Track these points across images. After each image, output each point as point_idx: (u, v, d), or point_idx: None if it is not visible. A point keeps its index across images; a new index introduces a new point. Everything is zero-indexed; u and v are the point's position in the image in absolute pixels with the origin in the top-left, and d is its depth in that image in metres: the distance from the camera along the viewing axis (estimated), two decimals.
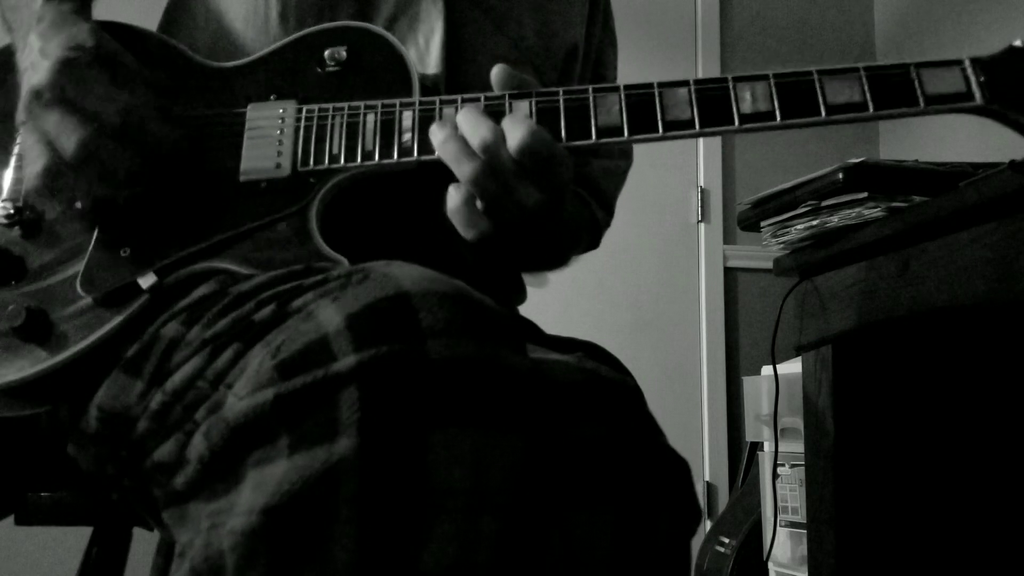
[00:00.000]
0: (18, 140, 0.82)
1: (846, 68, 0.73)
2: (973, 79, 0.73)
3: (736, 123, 0.72)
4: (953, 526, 1.43)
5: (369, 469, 0.53)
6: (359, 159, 0.75)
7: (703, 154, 3.23)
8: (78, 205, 0.78)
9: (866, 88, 0.73)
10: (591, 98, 0.74)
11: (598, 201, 1.01)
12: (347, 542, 0.52)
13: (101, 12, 0.88)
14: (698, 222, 3.20)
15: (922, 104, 0.73)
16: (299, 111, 0.79)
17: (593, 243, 1.06)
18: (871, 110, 0.73)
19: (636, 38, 2.54)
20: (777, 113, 0.72)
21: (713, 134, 0.74)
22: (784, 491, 2.21)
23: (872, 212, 1.27)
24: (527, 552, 0.57)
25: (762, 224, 1.48)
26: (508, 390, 0.57)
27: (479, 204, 0.73)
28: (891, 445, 1.40)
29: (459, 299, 0.58)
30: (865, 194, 1.27)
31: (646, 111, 0.73)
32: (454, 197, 0.74)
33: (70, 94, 0.73)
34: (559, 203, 0.75)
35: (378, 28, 0.82)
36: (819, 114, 0.72)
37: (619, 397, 0.72)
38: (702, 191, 3.21)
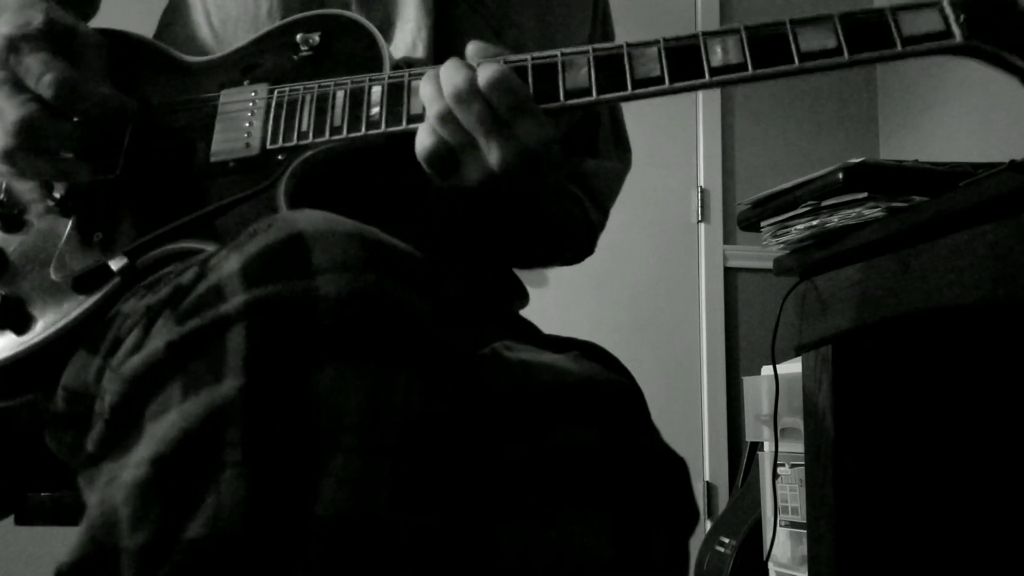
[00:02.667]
0: None
1: (820, 16, 0.72)
2: (952, 17, 0.70)
3: (707, 76, 0.71)
4: (953, 526, 1.43)
5: (255, 409, 0.52)
6: (327, 135, 0.76)
7: (703, 154, 3.23)
8: (56, 195, 0.79)
9: (840, 34, 0.71)
10: (559, 61, 0.73)
11: (592, 201, 1.01)
12: (236, 487, 0.51)
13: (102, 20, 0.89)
14: (698, 222, 3.20)
15: (899, 46, 0.70)
16: (270, 92, 0.79)
17: (587, 245, 1.05)
18: (846, 55, 0.70)
19: (636, 38, 2.53)
20: (749, 64, 0.71)
21: (684, 90, 0.72)
22: (784, 491, 2.21)
23: (872, 212, 1.27)
24: (431, 501, 0.56)
25: (762, 224, 1.48)
26: (406, 328, 0.56)
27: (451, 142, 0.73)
28: (891, 445, 1.40)
29: (357, 237, 0.57)
30: (865, 194, 1.27)
31: (615, 70, 0.73)
32: (421, 138, 0.73)
33: (11, 70, 0.74)
34: (531, 173, 0.73)
35: (350, 13, 0.83)
36: (792, 62, 0.71)
37: (613, 397, 0.71)
38: (702, 191, 3.21)
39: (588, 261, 1.09)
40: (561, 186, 0.81)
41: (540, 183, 0.76)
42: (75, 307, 0.74)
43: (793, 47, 0.71)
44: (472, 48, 0.75)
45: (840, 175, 1.28)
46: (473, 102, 0.70)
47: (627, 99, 0.73)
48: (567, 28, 0.99)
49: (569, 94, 0.73)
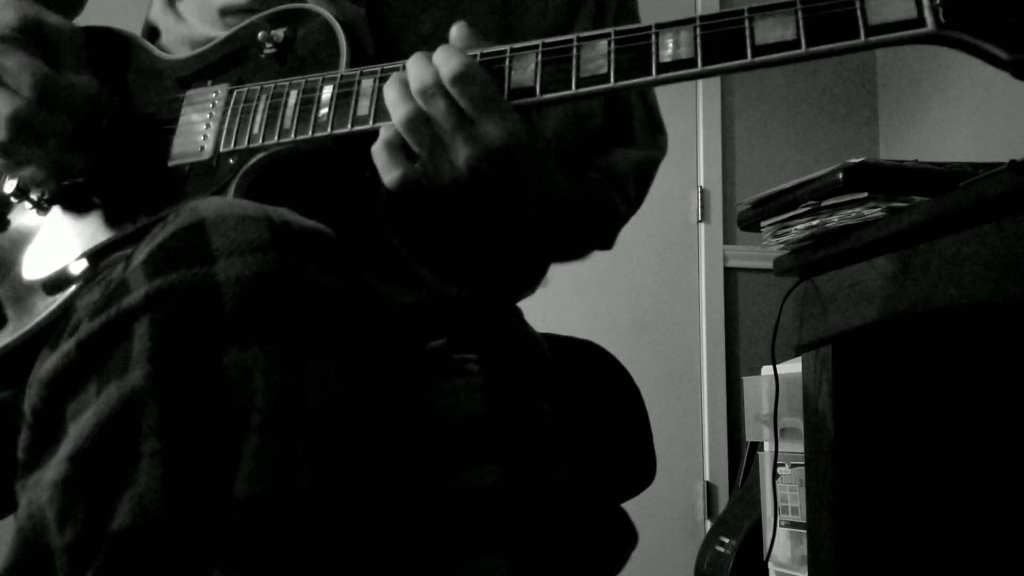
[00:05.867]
0: None
1: (783, 3, 0.66)
2: (926, 2, 0.63)
3: (653, 73, 0.68)
4: (953, 526, 1.43)
5: (165, 398, 0.53)
6: (277, 137, 0.76)
7: (703, 154, 3.23)
8: (33, 196, 0.80)
9: (801, 24, 0.65)
10: (507, 57, 0.71)
11: (619, 190, 0.98)
12: (154, 474, 0.52)
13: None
14: (698, 222, 3.20)
15: (862, 36, 0.64)
16: (229, 93, 0.80)
17: (610, 234, 1.02)
18: (803, 47, 0.65)
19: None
20: (699, 60, 0.67)
21: (629, 87, 0.69)
22: (784, 491, 2.21)
23: (872, 212, 1.27)
24: (352, 484, 0.57)
25: (762, 224, 1.48)
26: (313, 306, 0.56)
27: (416, 150, 0.71)
28: (891, 445, 1.40)
29: (259, 220, 0.57)
30: (865, 194, 1.27)
31: (561, 68, 0.70)
32: (380, 137, 0.72)
33: None
34: (501, 173, 0.71)
35: (316, 7, 0.82)
36: (744, 56, 0.66)
37: (524, 428, 0.71)
38: (702, 191, 3.21)
39: (588, 261, 1.08)
40: (548, 184, 0.79)
41: (514, 183, 0.74)
42: (44, 308, 0.75)
43: (748, 40, 0.66)
44: (456, 31, 0.73)
45: (840, 175, 1.28)
46: (435, 97, 0.68)
47: (572, 99, 0.70)
48: (523, 17, 0.94)
49: (512, 93, 0.70)
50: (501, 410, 0.72)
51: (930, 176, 1.26)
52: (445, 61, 0.69)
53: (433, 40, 0.83)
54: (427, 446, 0.70)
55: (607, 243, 1.03)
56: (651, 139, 1.04)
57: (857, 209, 1.28)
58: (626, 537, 0.77)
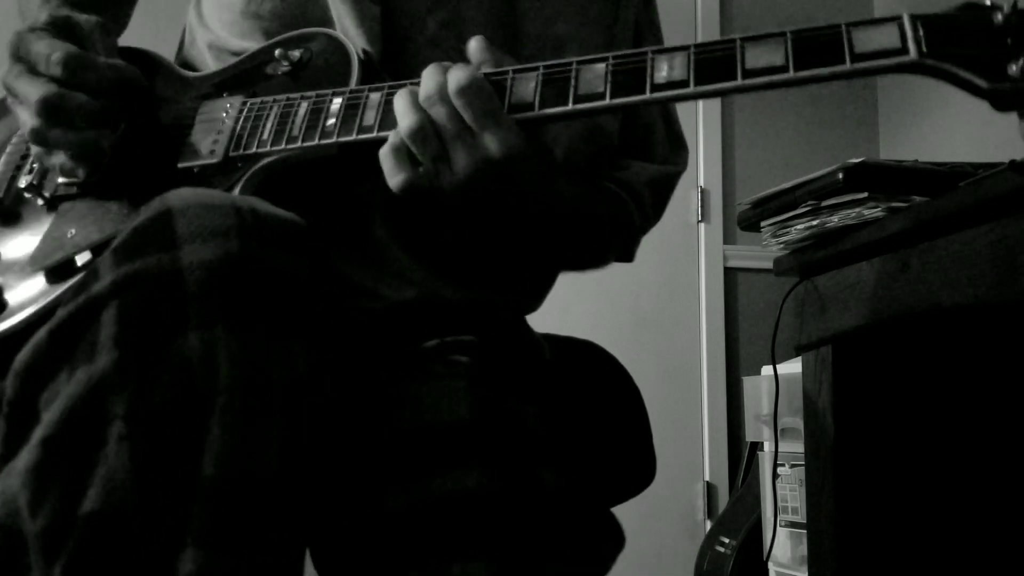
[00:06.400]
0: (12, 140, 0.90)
1: (774, 33, 0.70)
2: (910, 34, 0.66)
3: (648, 92, 0.71)
4: (953, 526, 1.43)
5: (131, 382, 0.54)
6: (284, 143, 0.78)
7: (703, 154, 3.23)
8: (46, 193, 0.83)
9: (790, 50, 0.68)
10: (509, 78, 0.74)
11: (636, 203, 1.00)
12: (122, 457, 0.53)
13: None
14: (698, 222, 3.20)
15: (848, 63, 0.67)
16: (243, 104, 0.83)
17: (626, 248, 1.04)
18: (791, 72, 0.68)
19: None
20: (691, 81, 0.70)
21: (624, 105, 0.72)
22: (784, 491, 2.21)
23: (872, 212, 1.27)
24: (329, 462, 0.58)
25: (762, 224, 1.48)
26: (278, 291, 0.58)
27: (419, 156, 0.73)
28: (891, 445, 1.40)
29: (224, 208, 0.59)
30: (865, 194, 1.27)
31: (559, 86, 0.73)
32: (388, 142, 0.74)
33: (25, 61, 0.78)
34: (497, 184, 0.74)
35: (332, 31, 0.85)
36: (734, 79, 0.69)
37: (507, 432, 0.72)
38: (702, 191, 3.21)
39: None
40: (552, 195, 0.81)
41: (514, 192, 0.76)
42: (46, 297, 0.77)
43: (739, 64, 0.69)
44: (475, 49, 0.75)
45: (840, 175, 1.28)
46: (440, 105, 0.71)
47: (570, 116, 0.73)
48: (525, 23, 0.95)
49: (512, 108, 0.73)
50: (484, 414, 0.73)
51: (930, 176, 1.26)
52: (454, 73, 0.72)
53: (438, 42, 0.84)
54: (409, 450, 0.71)
55: (626, 255, 1.05)
56: (672, 155, 1.06)
57: (857, 209, 1.28)
58: (613, 539, 0.77)
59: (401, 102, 0.73)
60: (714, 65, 0.70)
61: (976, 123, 2.89)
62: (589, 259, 0.98)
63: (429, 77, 0.72)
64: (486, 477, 0.69)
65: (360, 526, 0.68)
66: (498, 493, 0.69)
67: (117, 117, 0.82)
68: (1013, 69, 0.64)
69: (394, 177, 0.73)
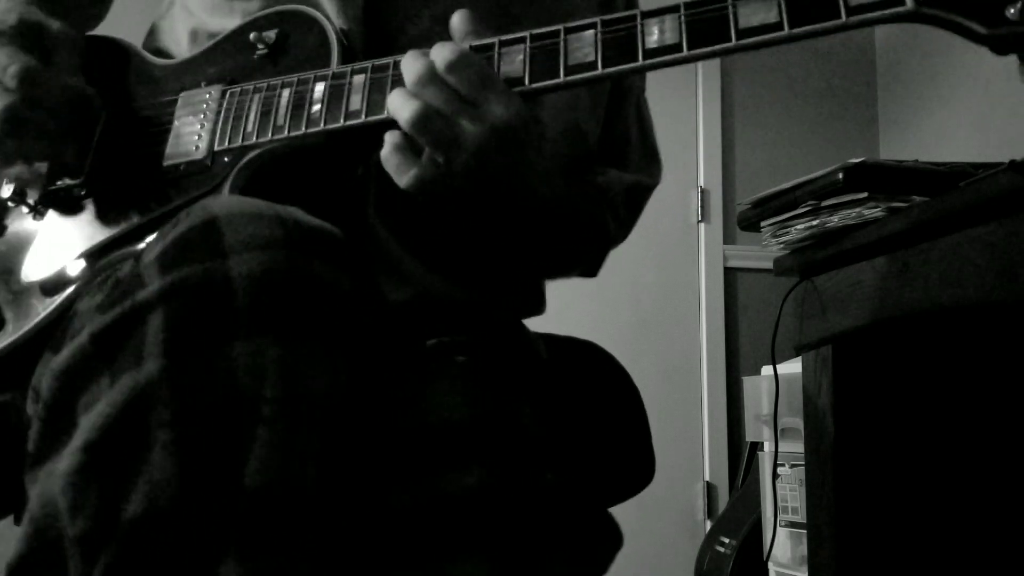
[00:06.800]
0: None
1: None
2: None
3: (640, 59, 0.69)
4: (953, 526, 1.43)
5: (178, 388, 0.54)
6: (271, 134, 0.77)
7: (703, 154, 3.23)
8: (30, 200, 0.82)
9: (783, 6, 0.66)
10: (496, 50, 0.73)
11: (611, 211, 0.99)
12: (167, 464, 0.53)
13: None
14: (698, 222, 3.20)
15: (843, 16, 0.65)
16: (223, 93, 0.81)
17: (596, 258, 1.02)
18: (786, 29, 0.66)
19: None
20: (684, 44, 0.68)
21: (616, 74, 0.70)
22: (784, 491, 2.21)
23: (872, 212, 1.27)
24: (360, 471, 0.58)
25: (762, 224, 1.48)
26: (322, 302, 0.58)
27: (426, 147, 0.72)
28: (891, 445, 1.40)
29: (270, 218, 0.59)
30: (865, 194, 1.27)
31: (549, 57, 0.71)
32: (388, 142, 0.72)
33: None
34: (506, 150, 0.72)
35: (307, 8, 0.83)
36: (729, 40, 0.67)
37: (506, 431, 0.72)
38: (702, 191, 3.21)
39: None
40: (548, 170, 0.80)
41: (519, 162, 0.74)
42: (43, 309, 0.76)
43: (732, 24, 0.67)
44: (457, 17, 0.74)
45: (840, 175, 1.28)
46: (432, 86, 0.70)
47: (562, 87, 0.71)
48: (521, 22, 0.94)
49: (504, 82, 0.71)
50: (484, 413, 0.72)
51: (930, 176, 1.26)
52: (438, 52, 0.71)
53: (431, 35, 0.84)
54: (410, 449, 0.71)
55: (593, 267, 1.02)
56: (646, 166, 1.05)
57: (857, 209, 1.28)
58: (611, 539, 0.77)
59: (395, 97, 0.71)
60: (706, 26, 0.68)
61: (976, 123, 2.89)
62: (562, 263, 0.96)
63: (410, 63, 0.71)
64: (487, 476, 0.69)
65: (362, 524, 0.68)
66: (499, 492, 0.69)
67: (79, 137, 0.81)
68: (1011, 12, 0.63)
69: (403, 176, 0.71)
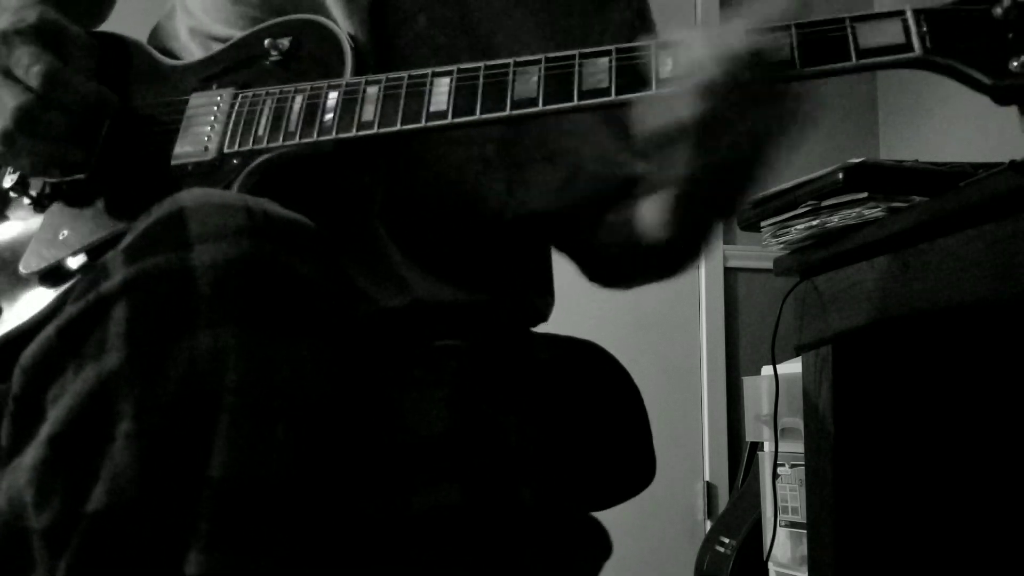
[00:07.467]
0: None
1: (780, 25, 0.68)
2: (914, 29, 0.66)
3: (653, 88, 0.69)
4: (953, 526, 1.43)
5: (140, 379, 0.54)
6: (282, 139, 0.77)
7: None
8: (32, 192, 0.82)
9: (795, 46, 0.67)
10: (511, 72, 0.73)
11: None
12: (131, 456, 0.53)
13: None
14: None
15: (854, 59, 0.67)
16: (234, 97, 0.81)
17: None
18: (798, 67, 0.67)
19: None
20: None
21: (626, 101, 0.70)
22: (784, 491, 2.21)
23: (872, 212, 1.27)
24: (330, 468, 0.58)
25: (762, 224, 1.48)
26: (288, 292, 0.58)
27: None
28: (891, 445, 1.40)
29: (237, 208, 0.59)
30: (865, 194, 1.27)
31: (563, 82, 0.72)
32: (653, 207, 0.71)
33: (4, 62, 0.77)
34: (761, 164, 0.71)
35: (320, 18, 0.84)
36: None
37: (486, 446, 0.72)
38: None
39: None
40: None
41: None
42: (40, 302, 0.76)
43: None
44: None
45: (840, 175, 1.28)
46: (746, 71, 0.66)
47: (572, 111, 0.72)
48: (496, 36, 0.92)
49: (516, 104, 0.72)
50: (463, 427, 0.72)
51: (930, 176, 1.26)
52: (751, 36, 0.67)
53: (425, 39, 0.83)
54: (388, 464, 0.71)
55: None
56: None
57: (857, 209, 1.28)
58: (597, 548, 0.77)
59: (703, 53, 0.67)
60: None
61: (976, 123, 2.89)
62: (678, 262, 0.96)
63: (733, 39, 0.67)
64: (459, 494, 0.69)
65: (333, 528, 0.68)
66: (471, 511, 0.69)
67: (88, 137, 0.81)
68: (1014, 65, 0.64)
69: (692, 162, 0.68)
